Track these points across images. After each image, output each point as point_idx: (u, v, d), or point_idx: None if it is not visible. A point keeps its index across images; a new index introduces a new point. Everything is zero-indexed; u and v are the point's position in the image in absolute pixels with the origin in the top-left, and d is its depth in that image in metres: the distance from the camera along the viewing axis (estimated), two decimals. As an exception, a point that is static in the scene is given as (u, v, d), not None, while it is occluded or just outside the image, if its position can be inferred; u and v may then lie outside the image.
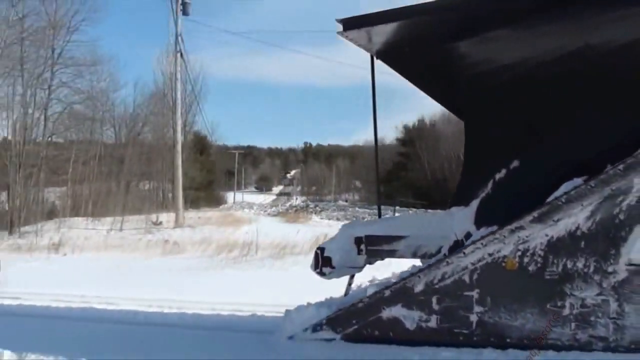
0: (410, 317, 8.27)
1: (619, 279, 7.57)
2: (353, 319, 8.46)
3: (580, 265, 7.70)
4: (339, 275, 9.97)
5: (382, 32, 8.97)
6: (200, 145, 67.09)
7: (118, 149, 49.57)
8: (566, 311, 7.74)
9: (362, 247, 9.78)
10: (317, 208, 75.21)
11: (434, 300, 8.17)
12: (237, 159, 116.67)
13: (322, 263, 9.81)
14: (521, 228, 7.89)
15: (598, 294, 7.64)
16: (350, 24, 8.86)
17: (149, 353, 8.22)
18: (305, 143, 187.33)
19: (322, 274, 9.84)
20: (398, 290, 8.32)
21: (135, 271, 19.19)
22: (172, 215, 38.56)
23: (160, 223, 37.43)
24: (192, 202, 51.14)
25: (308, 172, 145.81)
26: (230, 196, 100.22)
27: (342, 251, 9.85)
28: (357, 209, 72.47)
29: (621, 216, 7.60)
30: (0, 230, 34.34)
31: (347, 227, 10.28)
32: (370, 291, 8.59)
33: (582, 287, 7.70)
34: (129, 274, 18.49)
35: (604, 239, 7.64)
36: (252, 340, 8.82)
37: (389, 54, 10.03)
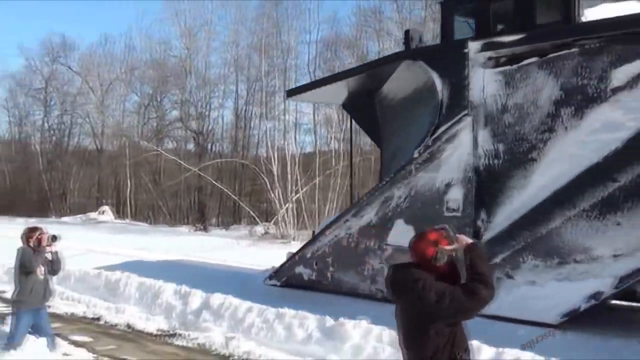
0: (307, 273, 13.49)
1: (388, 254, 11.82)
2: (283, 273, 13.97)
3: (372, 244, 12.15)
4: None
5: (306, 96, 14.31)
6: None
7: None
8: (366, 273, 12.24)
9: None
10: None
11: (314, 263, 13.29)
12: None
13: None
14: (347, 220, 12.62)
15: (379, 263, 12.00)
16: (289, 93, 14.43)
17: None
18: None
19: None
20: (300, 256, 13.63)
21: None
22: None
23: None
24: None
25: None
26: None
27: (321, 234, 15.22)
28: None
29: (389, 214, 11.86)
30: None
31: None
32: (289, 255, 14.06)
33: (373, 258, 12.13)
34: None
35: (382, 227, 11.96)
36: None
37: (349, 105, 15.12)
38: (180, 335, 10.30)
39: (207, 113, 44.18)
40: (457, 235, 4.06)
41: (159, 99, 47.74)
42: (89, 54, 51.82)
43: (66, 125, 54.10)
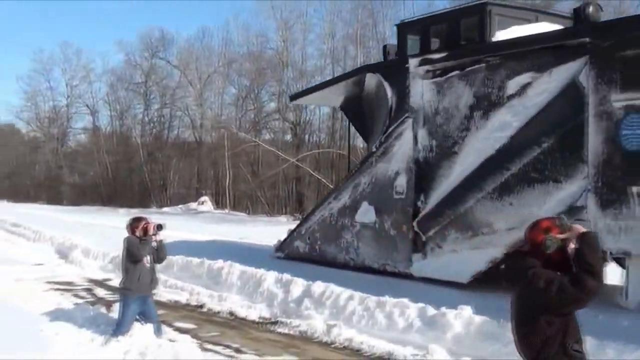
0: (302, 246, 16.38)
1: (357, 229, 14.55)
2: (286, 246, 16.89)
3: (346, 221, 14.91)
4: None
5: (307, 99, 17.14)
6: None
7: None
8: (342, 245, 15.01)
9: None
10: None
11: (307, 237, 16.16)
12: None
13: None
14: (330, 202, 15.43)
15: (351, 236, 14.75)
16: (292, 98, 17.33)
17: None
18: None
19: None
20: (297, 232, 16.52)
21: None
22: None
23: None
24: None
25: None
26: None
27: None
28: None
29: (358, 197, 14.59)
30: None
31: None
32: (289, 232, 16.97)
33: (347, 232, 14.90)
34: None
35: (353, 208, 14.71)
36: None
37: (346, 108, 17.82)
38: (282, 322, 10.48)
39: (304, 104, 43.66)
40: (572, 224, 4.07)
41: (256, 91, 48.81)
42: (187, 48, 53.79)
43: (166, 118, 56.63)
